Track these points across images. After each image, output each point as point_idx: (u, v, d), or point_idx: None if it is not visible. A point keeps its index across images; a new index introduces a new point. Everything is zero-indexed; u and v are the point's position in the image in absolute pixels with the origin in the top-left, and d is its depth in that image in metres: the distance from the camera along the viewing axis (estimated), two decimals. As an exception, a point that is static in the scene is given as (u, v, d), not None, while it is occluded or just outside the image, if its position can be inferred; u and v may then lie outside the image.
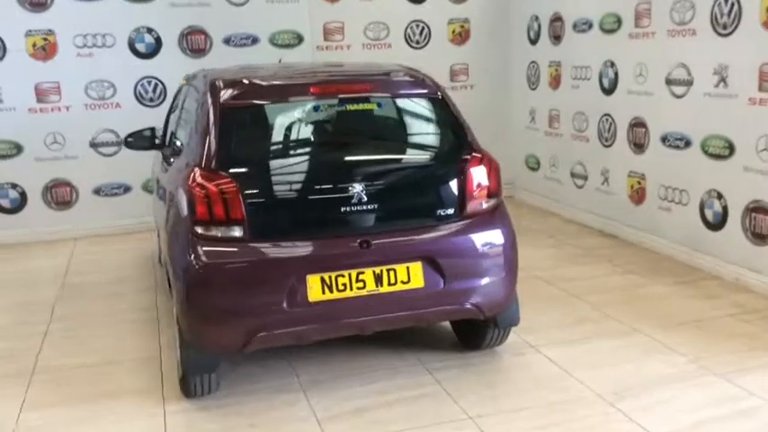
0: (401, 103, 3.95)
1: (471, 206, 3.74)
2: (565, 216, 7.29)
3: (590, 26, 6.68)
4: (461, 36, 7.98)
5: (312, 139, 3.85)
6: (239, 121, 3.60)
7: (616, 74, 6.36)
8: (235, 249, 3.39)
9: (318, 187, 3.54)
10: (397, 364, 4.06)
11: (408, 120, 4.01)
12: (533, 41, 7.68)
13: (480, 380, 3.90)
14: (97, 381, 3.98)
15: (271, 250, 3.43)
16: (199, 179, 3.40)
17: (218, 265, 3.38)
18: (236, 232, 3.38)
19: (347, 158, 3.76)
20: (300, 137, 3.77)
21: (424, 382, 3.85)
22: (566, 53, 7.14)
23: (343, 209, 3.50)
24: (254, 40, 7.36)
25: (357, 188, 3.50)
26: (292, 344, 3.72)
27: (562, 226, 7.05)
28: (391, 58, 7.55)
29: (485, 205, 3.79)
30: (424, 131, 4.09)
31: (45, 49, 6.78)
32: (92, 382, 3.96)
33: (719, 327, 4.43)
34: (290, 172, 3.60)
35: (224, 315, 3.37)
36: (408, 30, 7.80)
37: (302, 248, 3.47)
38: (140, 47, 7.06)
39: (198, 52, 7.21)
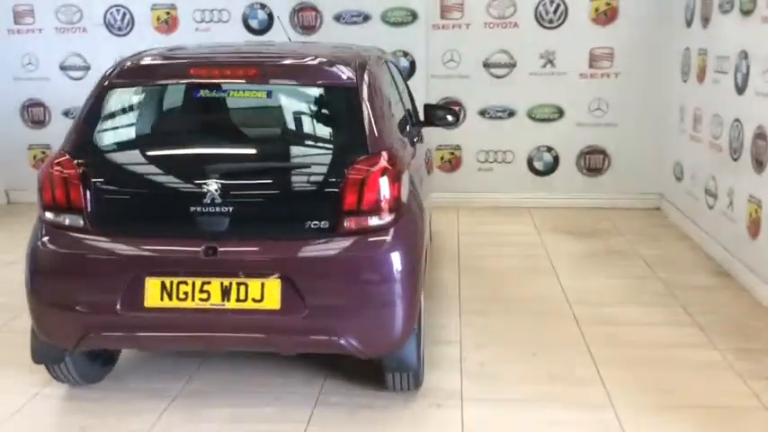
0: (297, 92, 3.38)
1: (353, 220, 3.09)
2: (695, 240, 5.90)
3: (731, 5, 5.23)
4: (606, 15, 6.79)
5: (181, 127, 3.46)
6: (113, 103, 3.34)
7: (748, 68, 4.91)
8: (72, 239, 3.17)
9: (170, 182, 3.18)
10: (296, 389, 3.55)
11: (299, 112, 3.43)
12: (689, 23, 6.26)
13: (356, 430, 3.26)
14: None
15: (109, 245, 3.15)
16: (52, 163, 3.23)
17: (54, 253, 3.19)
18: (78, 221, 3.16)
19: (208, 152, 3.32)
20: (169, 124, 3.42)
21: (294, 418, 3.32)
22: (711, 39, 5.71)
23: (193, 208, 3.09)
24: (366, 18, 7.00)
25: (212, 186, 3.06)
26: (140, 349, 3.42)
27: (681, 253, 5.71)
28: (517, 38, 6.77)
29: (374, 221, 3.10)
30: (316, 127, 3.47)
31: (168, 22, 7.12)
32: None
33: None
34: (143, 162, 3.27)
35: (56, 308, 3.19)
36: (540, 6, 6.83)
37: (144, 247, 3.14)
38: (253, 23, 7.10)
39: (308, 29, 7.06)
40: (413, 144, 4.38)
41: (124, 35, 7.20)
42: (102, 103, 3.31)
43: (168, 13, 7.10)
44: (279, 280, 3.06)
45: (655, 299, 4.70)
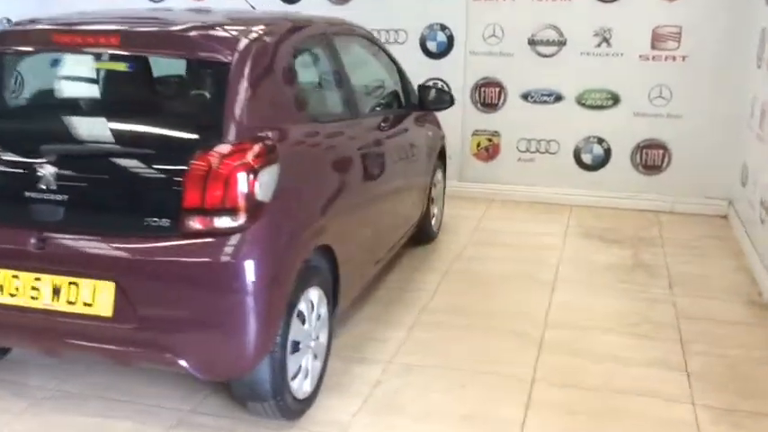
0: (162, 66, 2.93)
1: (197, 220, 2.63)
2: (748, 259, 4.94)
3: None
4: (674, -12, 5.82)
5: (32, 101, 3.08)
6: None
7: (803, 53, 3.94)
8: None
9: (6, 160, 2.83)
10: (166, 403, 3.14)
11: (160, 90, 2.98)
12: (768, -1, 5.22)
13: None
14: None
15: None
16: None
17: None
18: None
19: (49, 130, 2.93)
20: (22, 97, 3.05)
21: (145, 436, 2.94)
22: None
23: (27, 194, 2.74)
24: (400, -16, 6.42)
25: (48, 170, 2.70)
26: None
27: (723, 273, 4.78)
28: (568, 12, 6.04)
29: (220, 222, 2.62)
30: (174, 108, 2.98)
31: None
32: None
33: None
34: None
35: None
36: (596, -23, 5.97)
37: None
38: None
39: (342, 1, 6.58)
40: (387, 128, 3.88)
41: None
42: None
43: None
44: (114, 282, 2.66)
45: (654, 329, 3.91)
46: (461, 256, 5.05)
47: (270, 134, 2.80)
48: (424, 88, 4.65)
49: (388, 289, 4.41)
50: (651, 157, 6.16)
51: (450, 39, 6.39)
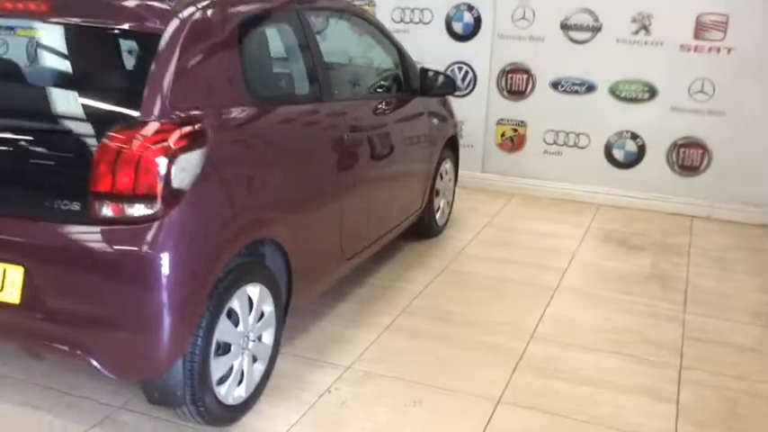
0: (91, 35, 2.67)
1: (107, 206, 2.39)
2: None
3: None
4: (723, -28, 5.28)
5: None
6: None
7: None
8: None
9: None
10: (97, 397, 2.93)
11: (86, 60, 2.72)
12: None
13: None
14: None
15: None
16: None
17: None
18: None
19: None
20: None
21: (63, 433, 2.75)
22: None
23: (-57, 167, 2.56)
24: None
25: (-39, 143, 2.52)
26: None
27: (750, 291, 4.31)
28: None
29: (132, 209, 2.38)
30: (96, 83, 2.71)
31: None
32: None
33: None
34: None
35: None
36: (635, -43, 5.47)
37: None
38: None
39: (370, -27, 6.27)
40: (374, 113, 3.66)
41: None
42: None
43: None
44: (22, 268, 2.46)
45: (651, 351, 3.50)
46: (462, 254, 4.71)
47: (201, 114, 2.54)
48: (425, 72, 4.31)
49: (371, 285, 4.12)
50: (689, 157, 5.66)
51: (478, 20, 5.99)
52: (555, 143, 6.01)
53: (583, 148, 5.93)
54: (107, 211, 2.39)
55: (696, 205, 5.65)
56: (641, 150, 5.78)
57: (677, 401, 3.08)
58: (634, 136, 5.78)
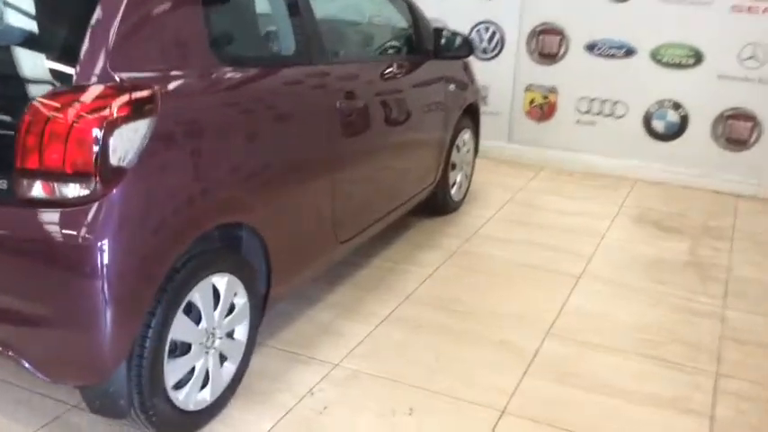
0: None
1: (35, 184, 2.04)
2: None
3: None
4: None
5: None
6: None
7: None
8: None
9: None
10: (55, 395, 2.63)
11: (10, 11, 2.33)
12: None
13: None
14: None
15: None
16: None
17: None
18: None
19: None
20: None
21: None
22: None
23: None
24: None
25: None
26: None
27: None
28: None
29: (64, 189, 2.03)
30: (24, 38, 2.29)
31: None
32: None
33: None
34: None
35: None
36: None
37: None
38: None
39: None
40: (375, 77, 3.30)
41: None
42: None
43: None
44: (-54, 252, 2.13)
45: (686, 354, 3.07)
46: (478, 234, 4.29)
47: (150, 78, 2.16)
48: (438, 33, 3.86)
49: (372, 268, 3.74)
50: (736, 130, 5.13)
51: (506, -26, 5.49)
52: (589, 112, 5.52)
53: (619, 117, 5.43)
54: (37, 191, 2.04)
55: (742, 183, 5.14)
56: (684, 121, 5.27)
57: (711, 416, 2.66)
58: (676, 106, 5.26)
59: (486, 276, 3.76)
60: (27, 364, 2.14)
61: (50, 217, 2.03)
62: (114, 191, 2.03)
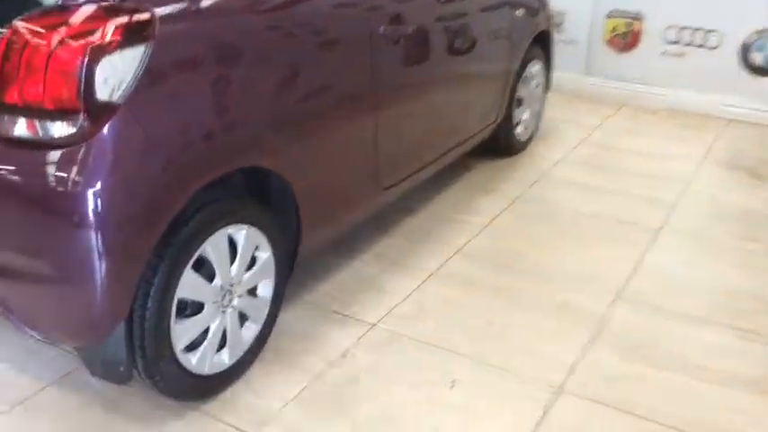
0: None
1: (16, 121, 1.78)
2: None
3: None
4: None
5: None
6: None
7: None
8: None
9: None
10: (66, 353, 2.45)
11: None
12: None
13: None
14: None
15: None
16: None
17: None
18: None
19: None
20: None
21: (22, 386, 2.25)
22: None
23: None
24: None
25: None
26: None
27: None
28: None
29: (46, 127, 1.76)
30: None
31: None
32: None
33: None
34: None
35: None
36: None
37: None
38: None
39: None
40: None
41: None
42: None
43: None
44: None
45: (778, 327, 2.65)
46: (546, 178, 3.89)
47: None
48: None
49: (425, 215, 3.40)
50: None
51: None
52: (677, 42, 4.93)
53: (712, 48, 4.84)
54: (19, 129, 1.78)
55: None
56: (788, 54, 4.65)
57: (808, 405, 2.26)
58: (780, 35, 4.63)
59: (550, 228, 3.37)
60: (18, 322, 1.93)
61: (34, 158, 1.78)
62: (105, 130, 1.74)
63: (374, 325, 2.60)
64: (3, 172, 1.80)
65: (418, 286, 2.84)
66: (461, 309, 2.71)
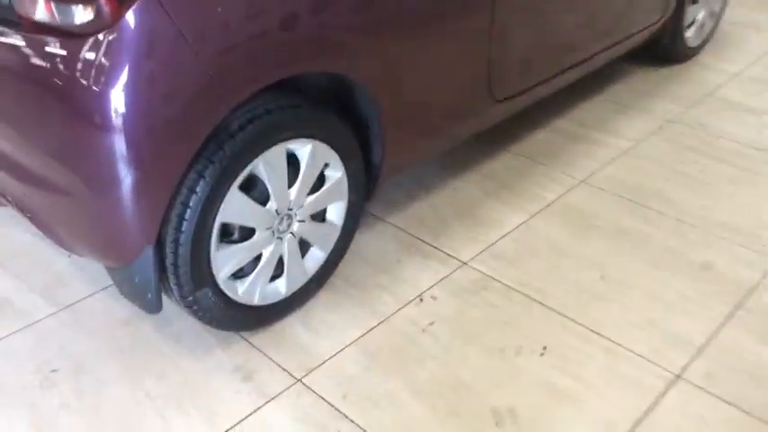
0: None
1: (30, 6, 1.50)
2: None
3: None
4: None
5: None
6: None
7: None
8: None
9: None
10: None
11: None
12: None
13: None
14: None
15: None
16: None
17: None
18: None
19: None
20: None
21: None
22: None
23: None
24: None
25: None
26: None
27: None
28: None
29: (69, 15, 1.47)
30: None
31: None
32: None
33: None
34: None
35: None
36: None
37: None
38: None
39: None
40: None
41: None
42: None
43: None
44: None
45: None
46: (712, 97, 3.22)
47: None
48: None
49: (552, 132, 2.91)
50: None
51: None
52: None
53: None
54: (40, 12, 1.49)
55: None
56: None
57: None
58: None
59: (707, 163, 2.78)
60: (40, 230, 1.74)
61: (51, 48, 1.49)
62: (128, 16, 1.42)
63: (464, 264, 2.22)
64: (21, 60, 1.54)
65: (526, 221, 2.41)
66: (572, 255, 2.27)
